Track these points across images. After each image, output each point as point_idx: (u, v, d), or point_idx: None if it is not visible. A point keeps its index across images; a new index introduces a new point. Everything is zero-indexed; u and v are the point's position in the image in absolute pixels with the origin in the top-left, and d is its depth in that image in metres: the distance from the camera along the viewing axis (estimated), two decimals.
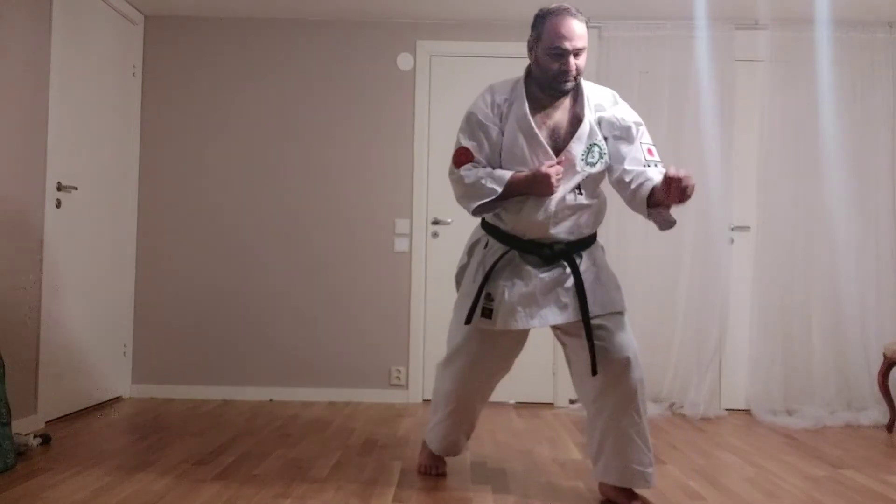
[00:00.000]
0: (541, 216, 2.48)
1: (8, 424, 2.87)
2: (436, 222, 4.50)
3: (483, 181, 2.47)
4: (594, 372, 2.45)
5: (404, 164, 4.50)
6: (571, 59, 2.45)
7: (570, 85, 2.50)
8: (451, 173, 2.58)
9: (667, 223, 2.46)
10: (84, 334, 3.94)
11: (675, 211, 2.43)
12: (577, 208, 2.51)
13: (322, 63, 4.54)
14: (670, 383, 4.36)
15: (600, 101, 2.56)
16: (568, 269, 2.51)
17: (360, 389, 4.43)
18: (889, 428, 3.95)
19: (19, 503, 2.46)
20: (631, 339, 2.50)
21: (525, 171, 2.47)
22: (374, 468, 2.97)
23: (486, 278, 2.52)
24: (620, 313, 2.53)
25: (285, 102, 4.53)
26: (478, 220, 2.71)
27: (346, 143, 4.52)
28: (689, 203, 4.48)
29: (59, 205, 3.66)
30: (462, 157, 2.52)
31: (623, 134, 2.53)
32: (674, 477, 2.94)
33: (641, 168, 2.47)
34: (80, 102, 3.86)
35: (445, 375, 2.70)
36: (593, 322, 2.47)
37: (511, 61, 4.55)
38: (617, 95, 2.62)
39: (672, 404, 4.32)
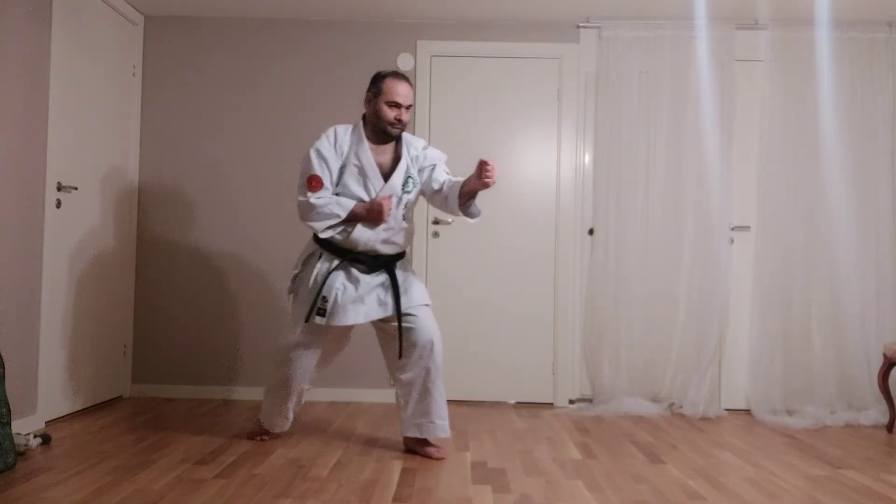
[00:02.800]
0: (371, 235, 3.12)
1: (8, 424, 2.87)
2: (436, 222, 4.51)
3: (331, 206, 3.08)
4: (400, 355, 3.13)
5: None
6: (403, 111, 3.15)
7: (398, 131, 3.17)
8: (301, 196, 3.12)
9: (474, 214, 3.17)
10: (84, 334, 3.94)
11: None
12: (398, 230, 3.19)
13: (322, 63, 4.54)
14: (670, 383, 4.36)
15: (416, 146, 3.26)
16: (386, 275, 3.17)
17: (360, 389, 4.43)
18: (889, 428, 3.95)
19: (19, 503, 2.46)
20: (433, 324, 3.17)
21: (365, 202, 3.10)
22: (374, 468, 2.98)
23: (323, 284, 3.11)
24: (426, 305, 3.21)
25: (285, 102, 4.54)
26: (310, 235, 3.33)
27: None
28: (689, 203, 4.50)
29: (59, 205, 3.66)
30: (315, 183, 3.09)
31: (431, 167, 3.24)
32: (674, 477, 2.94)
33: (448, 179, 3.20)
34: (80, 102, 3.86)
35: (284, 363, 3.25)
36: (405, 311, 3.13)
37: (511, 61, 4.57)
38: (426, 143, 3.33)
39: (672, 404, 4.32)
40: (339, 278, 3.13)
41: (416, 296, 3.19)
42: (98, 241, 4.07)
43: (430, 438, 3.20)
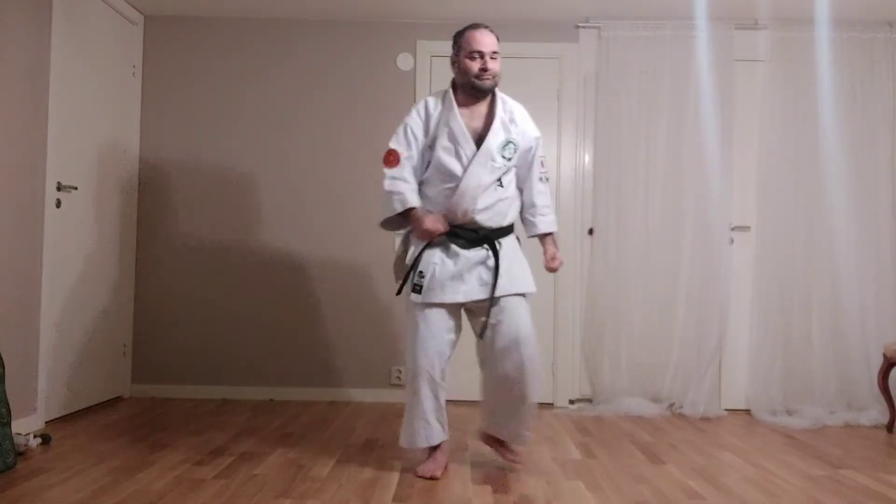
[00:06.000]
0: (468, 205, 2.84)
1: (8, 424, 2.87)
2: None
3: (394, 196, 2.89)
4: (481, 336, 2.88)
5: None
6: (488, 59, 2.87)
7: (489, 83, 2.89)
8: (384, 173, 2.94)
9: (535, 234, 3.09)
10: (84, 334, 3.94)
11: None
12: (498, 199, 2.90)
13: (322, 63, 4.54)
14: (670, 383, 4.36)
15: (512, 110, 2.97)
16: (490, 252, 2.88)
17: (360, 389, 4.43)
18: (889, 428, 3.95)
19: (19, 503, 2.46)
20: (526, 319, 2.87)
21: (420, 213, 2.86)
22: (374, 468, 2.98)
23: (418, 258, 2.87)
24: (522, 295, 2.91)
25: (285, 102, 4.53)
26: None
27: (346, 143, 4.52)
28: (689, 203, 4.49)
29: (59, 205, 3.66)
30: (391, 158, 2.93)
31: (528, 165, 3.01)
32: (674, 477, 2.94)
33: (531, 191, 3.02)
34: (80, 102, 3.86)
35: (408, 361, 2.94)
36: (500, 298, 2.85)
37: (511, 61, 4.55)
38: (524, 111, 3.03)
39: (672, 404, 4.32)
40: (436, 253, 2.87)
41: (515, 281, 2.88)
42: (98, 241, 4.07)
43: (510, 444, 3.00)
